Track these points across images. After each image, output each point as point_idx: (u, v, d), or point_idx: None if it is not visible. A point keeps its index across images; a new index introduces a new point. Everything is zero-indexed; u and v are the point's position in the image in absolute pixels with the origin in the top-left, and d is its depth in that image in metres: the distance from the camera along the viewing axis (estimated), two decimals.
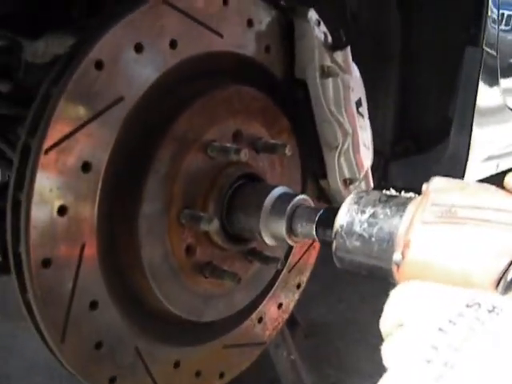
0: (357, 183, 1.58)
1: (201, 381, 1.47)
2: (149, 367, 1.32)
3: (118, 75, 1.14)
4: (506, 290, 0.65)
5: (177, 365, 1.40)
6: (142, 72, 1.18)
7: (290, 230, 1.24)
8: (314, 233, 1.17)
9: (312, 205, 1.29)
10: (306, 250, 1.73)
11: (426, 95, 1.94)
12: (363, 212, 0.88)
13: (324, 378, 2.26)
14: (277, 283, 1.65)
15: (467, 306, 0.58)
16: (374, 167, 1.70)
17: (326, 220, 1.11)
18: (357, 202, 0.90)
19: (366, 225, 0.87)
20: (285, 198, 1.27)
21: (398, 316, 0.63)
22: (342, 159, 1.55)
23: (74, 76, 1.07)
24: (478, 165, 2.02)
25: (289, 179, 1.51)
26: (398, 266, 0.77)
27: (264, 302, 1.62)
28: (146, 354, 1.31)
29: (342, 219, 0.91)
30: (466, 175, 1.93)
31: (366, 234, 0.86)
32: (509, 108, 2.10)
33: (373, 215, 0.87)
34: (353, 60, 1.52)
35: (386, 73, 1.93)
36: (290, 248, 1.65)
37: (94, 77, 1.10)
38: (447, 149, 1.90)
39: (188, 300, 1.34)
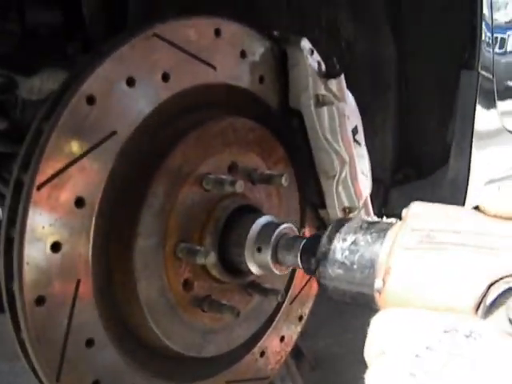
0: (356, 211, 1.57)
1: None
2: None
3: (110, 109, 1.13)
4: (485, 315, 0.64)
5: None
6: (135, 106, 1.18)
7: (276, 259, 1.24)
8: (299, 261, 1.17)
9: (297, 233, 1.29)
10: (307, 282, 1.70)
11: (424, 121, 1.93)
12: (344, 240, 0.88)
13: None
14: (278, 316, 1.62)
15: (445, 331, 0.58)
16: (374, 195, 1.68)
17: (310, 248, 1.10)
18: (338, 230, 0.90)
19: (347, 252, 0.86)
20: (270, 227, 1.27)
21: (378, 344, 0.62)
22: (341, 188, 1.53)
23: (66, 111, 1.07)
24: (479, 189, 2.01)
25: (287, 209, 1.49)
26: (380, 292, 0.76)
27: (266, 335, 1.60)
28: None
29: (323, 247, 0.91)
30: (467, 199, 1.91)
31: (347, 262, 0.86)
32: (507, 130, 2.09)
33: (354, 242, 0.86)
34: (349, 88, 1.52)
35: (383, 100, 1.94)
36: (291, 280, 1.63)
37: (86, 112, 1.10)
38: (447, 174, 1.89)
39: (186, 335, 1.32)
